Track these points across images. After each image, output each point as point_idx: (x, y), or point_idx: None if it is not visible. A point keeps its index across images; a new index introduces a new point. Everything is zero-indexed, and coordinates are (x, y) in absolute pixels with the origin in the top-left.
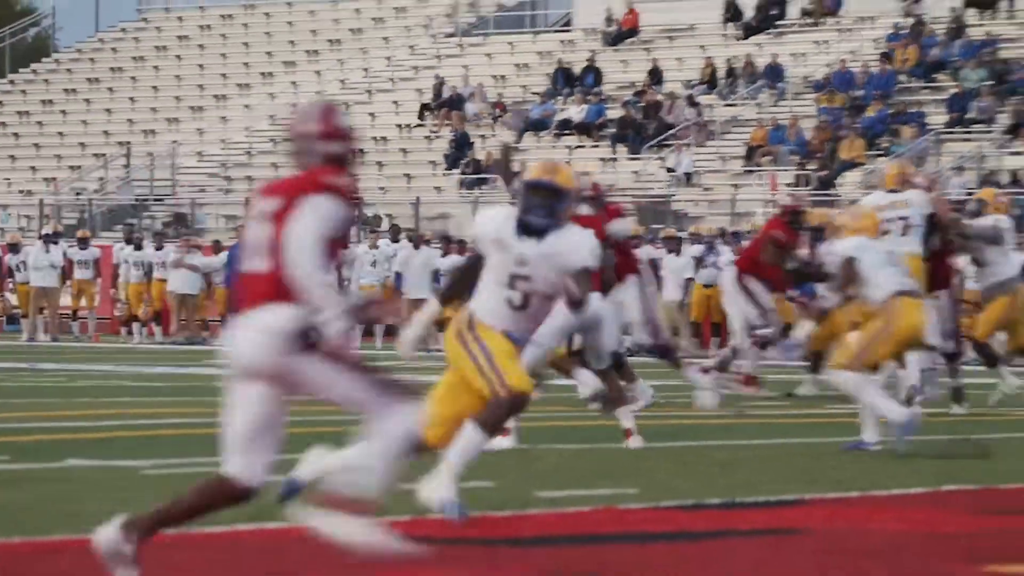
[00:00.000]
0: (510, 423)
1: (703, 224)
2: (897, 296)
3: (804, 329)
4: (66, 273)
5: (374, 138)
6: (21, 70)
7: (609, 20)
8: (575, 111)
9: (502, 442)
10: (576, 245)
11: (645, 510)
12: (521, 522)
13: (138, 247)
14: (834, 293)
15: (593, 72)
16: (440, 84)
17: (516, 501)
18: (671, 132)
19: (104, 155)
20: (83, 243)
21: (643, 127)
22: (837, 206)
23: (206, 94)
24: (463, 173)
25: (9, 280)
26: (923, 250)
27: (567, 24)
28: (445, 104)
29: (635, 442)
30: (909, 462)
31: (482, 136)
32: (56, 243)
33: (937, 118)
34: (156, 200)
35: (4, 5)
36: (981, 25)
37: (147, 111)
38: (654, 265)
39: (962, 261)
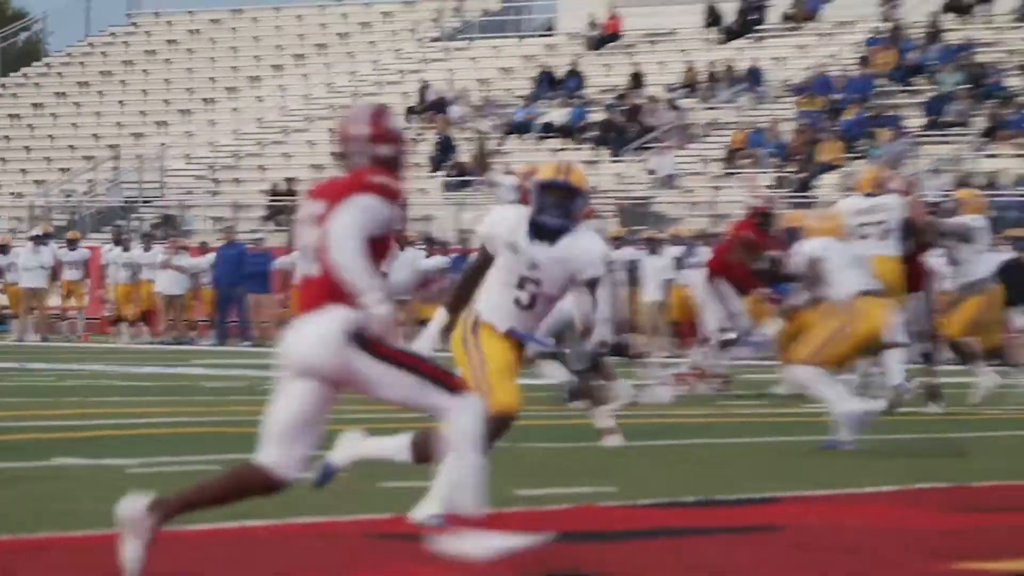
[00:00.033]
0: None
1: (683, 226)
2: (860, 296)
3: (773, 326)
4: (55, 274)
5: None
6: (12, 74)
7: (592, 25)
8: (558, 114)
9: None
10: (587, 253)
11: (623, 508)
12: (502, 520)
13: (126, 248)
14: (801, 293)
15: (576, 76)
16: (425, 88)
17: (497, 499)
18: (652, 135)
19: (93, 158)
20: (72, 244)
21: (625, 130)
22: (814, 208)
23: (194, 98)
24: (447, 176)
25: None
26: (900, 252)
27: (550, 29)
28: (430, 108)
29: (613, 441)
30: (882, 460)
31: (467, 139)
32: (46, 244)
33: (914, 121)
34: (144, 202)
35: None
36: (958, 30)
37: (136, 114)
38: (634, 266)
39: (937, 262)
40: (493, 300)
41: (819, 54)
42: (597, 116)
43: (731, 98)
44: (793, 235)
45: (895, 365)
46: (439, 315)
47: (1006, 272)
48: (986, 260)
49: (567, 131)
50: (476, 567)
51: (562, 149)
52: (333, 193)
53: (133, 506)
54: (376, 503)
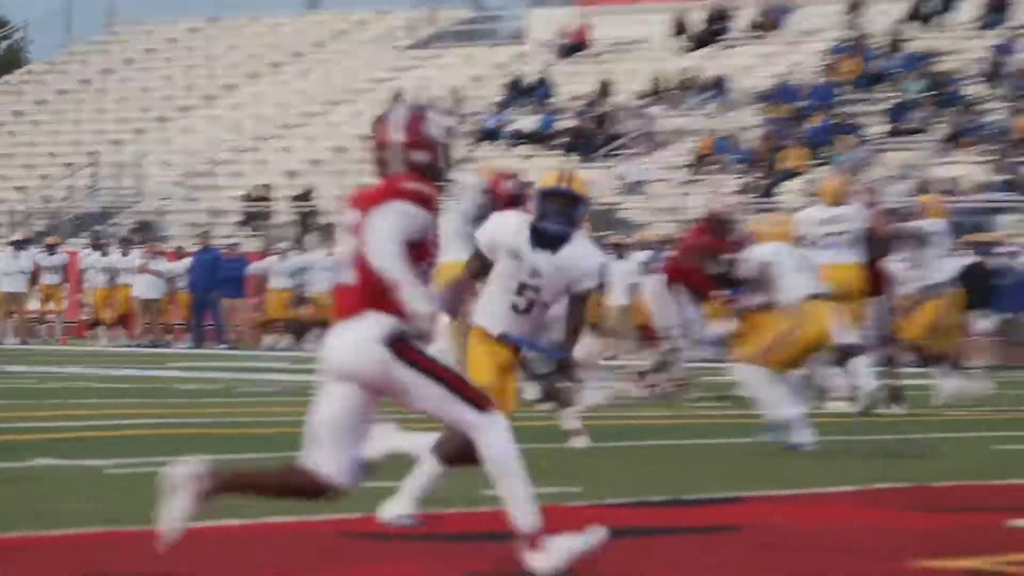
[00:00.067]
0: None
1: (650, 231)
2: (808, 300)
3: (725, 326)
4: (35, 278)
5: (334, 148)
6: None
7: (561, 34)
8: (528, 121)
9: None
10: (587, 264)
11: (589, 507)
12: (470, 519)
13: (104, 253)
14: (753, 296)
15: (545, 84)
16: (399, 95)
17: (464, 499)
18: (620, 142)
19: (72, 164)
20: (51, 249)
21: (593, 137)
22: (778, 213)
23: (171, 105)
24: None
25: None
26: (861, 259)
27: (521, 38)
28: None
29: (580, 442)
30: (844, 460)
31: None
32: (25, 249)
33: (877, 128)
34: (122, 208)
35: None
36: (920, 39)
37: (114, 121)
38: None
39: (897, 266)
40: (489, 305)
41: (784, 62)
42: (566, 123)
43: (698, 105)
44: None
45: (863, 369)
46: (441, 319)
47: (967, 276)
48: (946, 264)
49: (537, 138)
50: (443, 567)
51: (532, 156)
52: (368, 201)
53: (192, 466)
54: (350, 502)
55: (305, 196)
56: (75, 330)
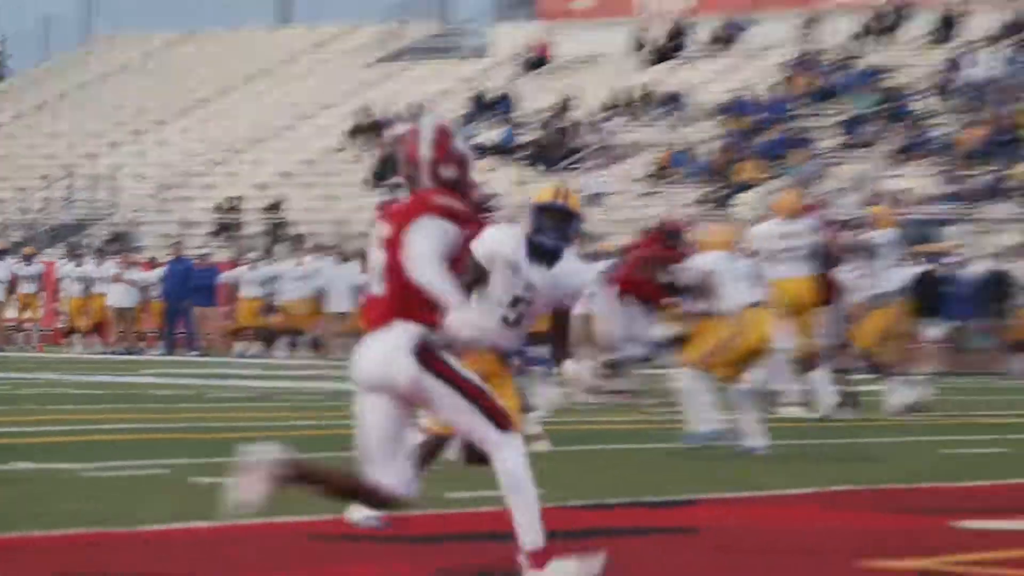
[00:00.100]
0: None
1: (609, 242)
2: (749, 308)
3: (667, 331)
4: (12, 287)
5: (304, 161)
6: None
7: (525, 49)
8: (492, 134)
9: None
10: (578, 280)
11: (551, 509)
12: (437, 521)
13: (79, 263)
14: (696, 304)
15: (509, 97)
16: (367, 109)
17: (430, 502)
18: (581, 155)
19: (48, 176)
20: (28, 259)
21: (555, 149)
22: (734, 224)
23: (146, 119)
24: (388, 193)
25: None
26: (813, 271)
27: (486, 53)
28: (371, 128)
29: (541, 446)
30: (798, 464)
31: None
32: (2, 259)
33: (830, 141)
34: (97, 219)
35: None
36: (872, 54)
37: (90, 135)
38: None
39: (848, 276)
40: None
41: (740, 77)
42: (529, 136)
43: (656, 119)
44: None
45: (821, 378)
46: None
47: (918, 285)
48: (896, 274)
49: (500, 150)
50: (399, 563)
51: (495, 168)
52: (400, 216)
53: (266, 452)
54: (318, 505)
55: (275, 207)
56: (51, 337)
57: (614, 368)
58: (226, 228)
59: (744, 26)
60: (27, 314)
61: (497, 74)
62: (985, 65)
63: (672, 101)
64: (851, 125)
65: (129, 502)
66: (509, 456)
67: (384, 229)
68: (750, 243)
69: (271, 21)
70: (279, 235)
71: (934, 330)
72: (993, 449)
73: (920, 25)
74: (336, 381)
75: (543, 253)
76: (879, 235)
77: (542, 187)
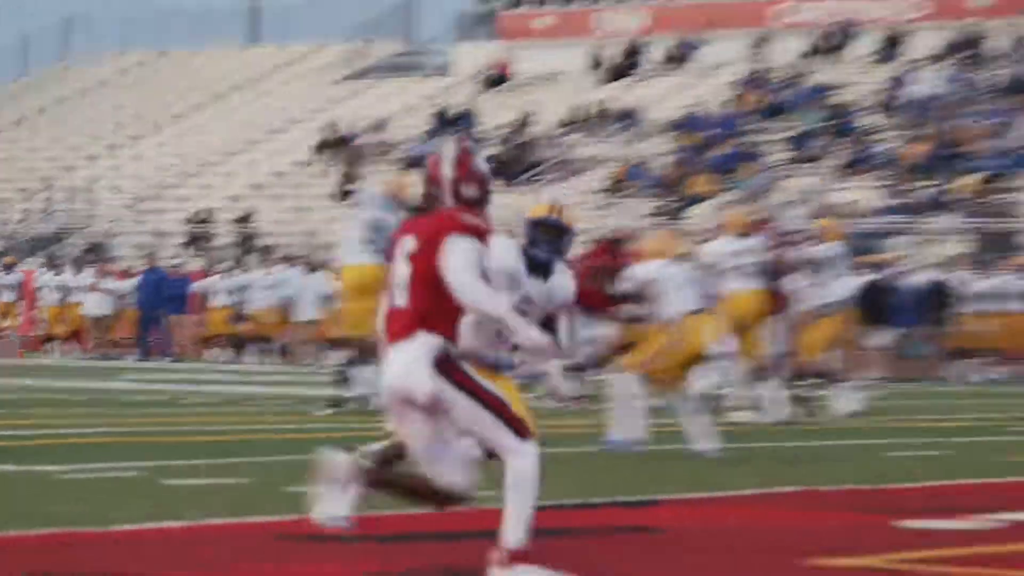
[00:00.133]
0: None
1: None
2: (690, 315)
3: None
4: None
5: (273, 174)
6: None
7: (486, 67)
8: None
9: None
10: (565, 293)
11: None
12: (404, 521)
13: (58, 273)
14: (637, 311)
15: (470, 114)
16: (333, 124)
17: (388, 503)
18: (540, 168)
19: (27, 189)
20: (8, 269)
21: (515, 164)
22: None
23: (121, 133)
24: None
25: None
26: (763, 285)
27: (448, 71)
28: (338, 143)
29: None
30: (748, 466)
31: (372, 172)
32: None
33: (779, 156)
34: (74, 230)
35: None
36: (820, 72)
37: (68, 149)
38: None
39: (797, 286)
40: (472, 327)
41: (693, 94)
42: (490, 151)
43: (613, 134)
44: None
45: (772, 385)
46: None
47: (866, 294)
48: (843, 284)
49: None
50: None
51: None
52: (427, 232)
53: (356, 459)
54: (283, 506)
55: (245, 219)
56: (30, 344)
57: (572, 373)
58: (198, 239)
59: (696, 45)
60: (7, 322)
61: (459, 91)
62: (928, 83)
63: (627, 117)
64: (799, 140)
65: (104, 503)
66: (524, 462)
67: (409, 244)
68: (702, 258)
69: (241, 40)
70: (249, 246)
71: (879, 338)
72: (934, 452)
73: (866, 44)
74: (303, 387)
75: (537, 266)
76: (825, 248)
77: (536, 202)
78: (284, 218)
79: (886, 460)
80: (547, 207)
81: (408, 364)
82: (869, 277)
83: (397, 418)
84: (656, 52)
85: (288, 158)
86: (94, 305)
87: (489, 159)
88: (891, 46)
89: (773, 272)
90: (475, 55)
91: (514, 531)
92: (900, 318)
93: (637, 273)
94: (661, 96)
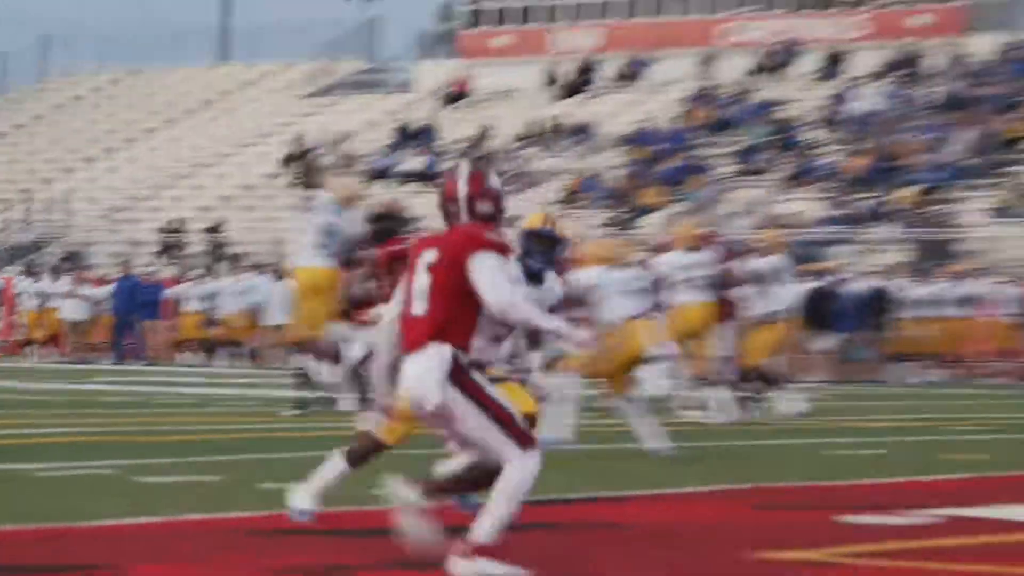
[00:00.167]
0: None
1: None
2: (630, 320)
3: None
4: None
5: (242, 186)
6: None
7: (446, 84)
8: (415, 162)
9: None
10: (551, 299)
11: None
12: (360, 516)
13: (36, 280)
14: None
15: (431, 128)
16: (299, 138)
17: (355, 498)
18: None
19: (7, 200)
20: None
21: None
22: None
23: (97, 147)
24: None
25: None
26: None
27: (410, 87)
28: (304, 156)
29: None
30: (695, 464)
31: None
32: None
33: (726, 169)
34: (52, 239)
35: None
36: (765, 89)
37: (46, 162)
38: None
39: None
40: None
41: (644, 109)
42: (450, 164)
43: (567, 148)
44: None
45: (719, 388)
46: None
47: (810, 301)
48: (787, 292)
49: (423, 177)
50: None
51: (419, 193)
52: (450, 246)
53: (410, 493)
54: (253, 502)
55: (216, 229)
56: (9, 348)
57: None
58: (170, 248)
59: (647, 63)
60: None
61: (420, 107)
62: (868, 100)
63: (581, 132)
64: (745, 154)
65: (81, 499)
66: (521, 468)
67: (430, 256)
68: (654, 269)
69: (211, 59)
70: (219, 254)
71: (823, 342)
72: (873, 451)
73: (808, 63)
74: (271, 388)
75: (530, 275)
76: (769, 261)
77: (532, 214)
78: (253, 227)
79: (829, 459)
80: (541, 218)
81: (421, 375)
82: (813, 284)
83: (429, 424)
84: (608, 70)
85: (256, 171)
86: (71, 311)
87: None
88: (833, 64)
89: (721, 284)
90: (435, 72)
91: (487, 528)
92: (842, 323)
93: (579, 279)
94: (613, 112)
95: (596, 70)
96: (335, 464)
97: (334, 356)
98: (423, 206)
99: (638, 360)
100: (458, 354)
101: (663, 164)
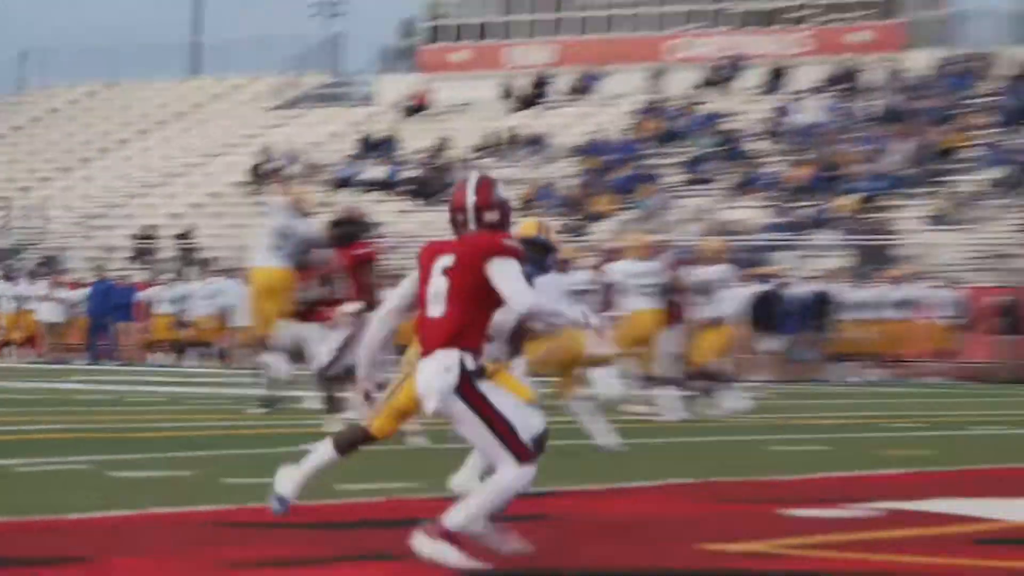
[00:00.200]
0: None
1: None
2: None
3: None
4: None
5: (211, 194)
6: None
7: (406, 97)
8: (377, 171)
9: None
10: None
11: (427, 500)
12: (328, 510)
13: (14, 283)
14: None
15: (392, 139)
16: (267, 149)
17: (322, 492)
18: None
19: None
20: None
21: (433, 185)
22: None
23: (73, 157)
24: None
25: None
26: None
27: (372, 100)
28: (271, 165)
29: (417, 440)
30: (643, 460)
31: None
32: None
33: (674, 178)
34: (30, 244)
35: None
36: (712, 102)
37: (24, 171)
38: None
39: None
40: None
41: (595, 121)
42: (410, 173)
43: (523, 158)
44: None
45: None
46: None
47: (758, 304)
48: (732, 296)
49: (384, 185)
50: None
51: (381, 201)
52: (468, 251)
53: (446, 551)
54: (221, 496)
55: (186, 235)
56: None
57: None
58: (143, 253)
59: (598, 77)
60: None
61: (382, 119)
62: (810, 112)
63: (536, 143)
64: (692, 164)
65: (56, 493)
66: (514, 476)
67: (447, 260)
68: (606, 277)
69: (183, 73)
70: (189, 259)
71: (768, 343)
72: (816, 447)
73: (753, 77)
74: (239, 387)
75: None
76: (715, 270)
77: (526, 222)
78: (221, 234)
79: (773, 454)
80: (535, 227)
81: (428, 380)
82: (759, 288)
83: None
84: (562, 84)
85: (225, 180)
86: (48, 313)
87: (409, 180)
88: (776, 79)
89: (670, 291)
90: (397, 86)
91: (460, 517)
92: (787, 325)
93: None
94: (566, 123)
95: (550, 84)
96: (324, 451)
97: (293, 355)
98: (384, 213)
99: (581, 360)
100: (466, 361)
101: (614, 173)
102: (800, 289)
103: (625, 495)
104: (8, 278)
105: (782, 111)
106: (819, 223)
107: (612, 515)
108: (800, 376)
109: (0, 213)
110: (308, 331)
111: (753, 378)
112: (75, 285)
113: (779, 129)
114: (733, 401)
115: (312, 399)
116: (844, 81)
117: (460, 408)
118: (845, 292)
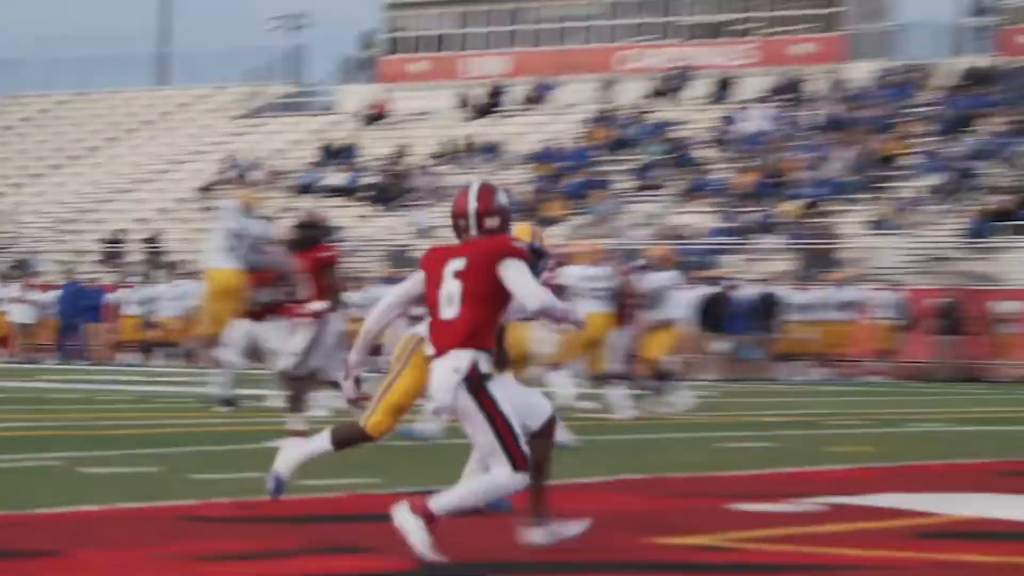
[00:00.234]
0: None
1: None
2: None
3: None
4: None
5: (177, 200)
6: None
7: (367, 106)
8: (338, 178)
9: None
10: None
11: (387, 495)
12: (292, 505)
13: None
14: None
15: (353, 147)
16: (231, 156)
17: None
18: (414, 195)
19: None
20: None
21: (392, 190)
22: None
23: (44, 164)
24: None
25: None
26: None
27: (333, 109)
28: (235, 172)
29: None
30: (593, 456)
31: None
32: None
33: (624, 184)
34: (2, 248)
35: None
36: (661, 111)
37: None
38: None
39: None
40: None
41: (549, 130)
42: (370, 179)
43: (478, 165)
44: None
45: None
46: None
47: (707, 305)
48: (680, 301)
49: (345, 191)
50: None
51: (342, 206)
52: (480, 254)
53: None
54: (187, 492)
55: (154, 239)
56: None
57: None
58: (112, 256)
59: (552, 87)
60: None
61: (343, 127)
62: (755, 121)
63: (491, 150)
64: (642, 171)
65: (27, 489)
66: (507, 480)
67: (458, 263)
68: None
69: (150, 82)
70: (157, 262)
71: (717, 344)
72: (762, 443)
73: (700, 87)
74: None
75: None
76: (663, 276)
77: (519, 227)
78: (188, 238)
79: (721, 450)
80: (528, 232)
81: (439, 380)
82: (707, 290)
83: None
84: (516, 93)
85: (191, 186)
86: (19, 314)
87: (369, 186)
88: (723, 89)
89: (620, 294)
90: (357, 95)
91: (445, 502)
92: (734, 326)
93: None
94: (521, 132)
95: (505, 93)
96: (321, 442)
97: (249, 353)
98: (344, 218)
99: (526, 359)
100: (480, 361)
101: (567, 180)
102: (747, 291)
103: (577, 490)
104: None
105: (729, 120)
106: (765, 228)
107: (565, 509)
108: (747, 375)
109: None
110: (263, 330)
111: (702, 377)
112: (46, 287)
113: (726, 137)
114: (682, 399)
115: (275, 397)
116: (788, 91)
117: (470, 406)
118: (790, 294)
